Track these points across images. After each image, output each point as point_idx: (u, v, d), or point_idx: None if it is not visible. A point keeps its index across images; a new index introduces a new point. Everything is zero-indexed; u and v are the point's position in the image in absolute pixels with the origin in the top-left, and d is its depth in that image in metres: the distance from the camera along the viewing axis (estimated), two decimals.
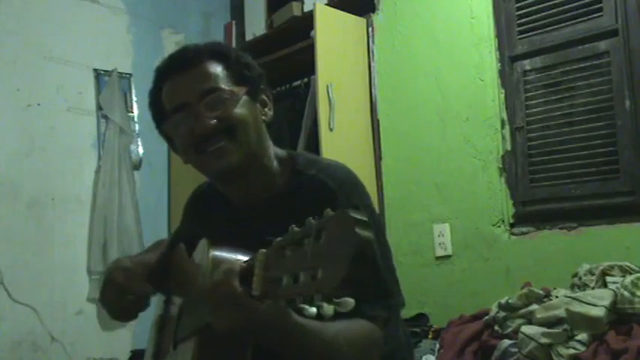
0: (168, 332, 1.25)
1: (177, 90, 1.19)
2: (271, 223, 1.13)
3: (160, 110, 1.23)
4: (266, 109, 1.25)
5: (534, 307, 2.02)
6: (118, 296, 1.19)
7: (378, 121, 3.02)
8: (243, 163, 1.16)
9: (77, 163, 3.07)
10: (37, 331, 2.82)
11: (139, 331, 3.06)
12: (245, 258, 0.93)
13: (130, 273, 1.21)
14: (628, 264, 2.04)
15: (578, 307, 1.87)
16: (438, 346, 2.24)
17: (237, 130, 1.15)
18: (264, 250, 0.81)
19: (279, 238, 0.79)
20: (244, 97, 1.18)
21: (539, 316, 1.96)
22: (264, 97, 1.25)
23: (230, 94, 1.16)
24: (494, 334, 2.07)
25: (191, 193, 1.48)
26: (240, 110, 1.17)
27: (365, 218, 0.68)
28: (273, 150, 1.26)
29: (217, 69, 1.19)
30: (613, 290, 1.91)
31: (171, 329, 1.22)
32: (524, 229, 2.54)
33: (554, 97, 2.52)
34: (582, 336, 1.83)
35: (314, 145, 2.75)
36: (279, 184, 1.23)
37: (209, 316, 0.90)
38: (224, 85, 1.17)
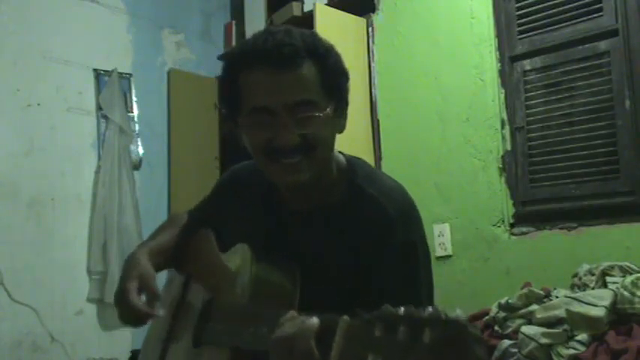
0: (185, 322, 1.22)
1: (266, 90, 1.04)
2: (320, 233, 1.13)
3: (232, 90, 1.10)
4: (342, 119, 1.14)
5: (534, 307, 2.02)
6: (135, 318, 1.17)
7: (378, 121, 3.02)
8: (312, 179, 1.09)
9: (77, 163, 3.06)
10: (37, 331, 2.82)
11: (138, 331, 3.06)
12: (285, 273, 0.92)
13: (149, 293, 1.17)
14: (628, 264, 2.04)
15: (578, 307, 1.87)
16: None
17: (317, 150, 1.06)
18: (347, 318, 0.76)
19: (368, 314, 0.73)
20: (332, 114, 1.08)
21: (539, 316, 1.96)
22: (345, 105, 1.14)
23: (321, 112, 1.05)
24: (494, 334, 2.07)
25: (232, 170, 1.35)
26: (325, 131, 1.07)
27: (480, 335, 0.63)
28: (334, 157, 1.17)
29: (313, 74, 1.05)
30: (613, 290, 1.91)
31: (190, 322, 1.20)
32: (524, 229, 2.54)
33: (554, 97, 2.52)
34: (582, 336, 1.83)
35: None
36: (335, 195, 1.14)
37: (270, 355, 0.86)
38: (317, 98, 1.05)
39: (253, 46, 1.07)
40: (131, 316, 1.17)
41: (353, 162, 1.19)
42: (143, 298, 1.18)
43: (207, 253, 1.25)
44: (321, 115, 1.05)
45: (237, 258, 1.12)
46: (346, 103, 1.13)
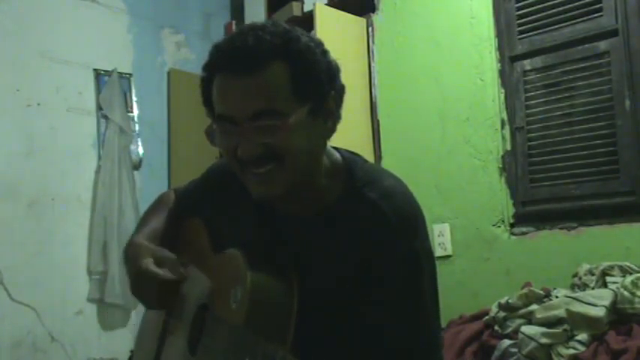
0: (180, 315, 1.20)
1: (227, 98, 0.99)
2: (312, 239, 1.06)
3: (208, 94, 1.05)
4: (329, 123, 1.04)
5: (534, 307, 2.02)
6: (160, 289, 1.12)
7: (378, 121, 3.02)
8: (287, 190, 1.01)
9: (77, 163, 3.06)
10: (37, 331, 2.82)
11: None
12: (282, 284, 0.92)
13: (168, 263, 1.14)
14: (628, 264, 2.04)
15: (578, 307, 1.87)
16: None
17: (287, 159, 0.98)
18: None
19: None
20: (304, 119, 0.98)
21: (539, 316, 1.96)
22: (331, 106, 1.04)
23: (285, 121, 0.96)
24: (494, 334, 2.07)
25: (223, 161, 1.22)
26: (294, 139, 0.97)
27: None
28: (328, 159, 1.08)
29: (279, 78, 0.96)
30: (613, 290, 1.91)
31: (186, 317, 1.18)
32: (524, 229, 2.54)
33: (554, 97, 2.52)
34: (582, 336, 1.83)
35: None
36: (331, 198, 1.06)
37: None
38: (282, 104, 0.96)
39: (223, 47, 1.02)
40: (160, 291, 1.12)
41: (351, 161, 1.10)
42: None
43: (201, 246, 1.23)
44: (283, 122, 0.96)
45: (232, 262, 1.08)
46: (335, 102, 1.04)
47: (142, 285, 1.14)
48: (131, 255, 1.19)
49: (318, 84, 1.00)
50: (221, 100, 1.00)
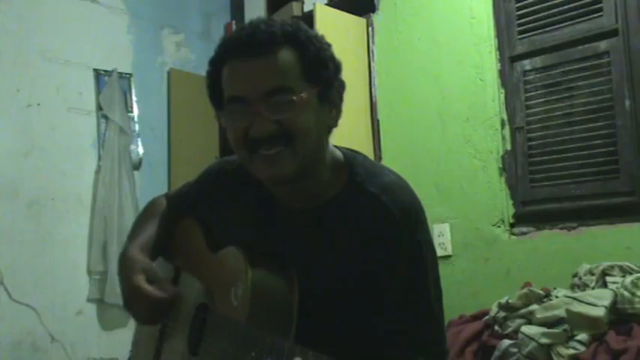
0: (178, 318, 1.20)
1: (240, 78, 1.02)
2: (316, 235, 1.07)
3: (216, 87, 1.07)
4: (334, 112, 1.08)
5: (534, 307, 2.02)
6: (150, 308, 1.15)
7: (378, 121, 3.02)
8: (296, 173, 1.02)
9: (77, 163, 3.06)
10: (37, 332, 2.82)
11: None
12: (283, 280, 0.93)
13: (159, 280, 1.17)
14: (628, 264, 2.04)
15: (578, 307, 1.87)
16: None
17: (297, 139, 1.00)
18: None
19: None
20: (313, 100, 1.02)
21: (539, 316, 1.96)
22: (335, 96, 1.08)
23: (298, 97, 0.99)
24: (494, 334, 2.07)
25: (223, 161, 1.26)
26: (305, 117, 1.00)
27: None
28: (330, 154, 1.10)
29: (290, 60, 1.01)
30: (613, 290, 1.91)
31: (184, 319, 1.18)
32: (524, 229, 2.54)
33: (554, 97, 2.53)
34: (582, 336, 1.83)
35: None
36: (332, 193, 1.08)
37: None
38: (294, 84, 1.00)
39: (233, 36, 1.05)
40: (151, 309, 1.15)
41: (352, 157, 1.12)
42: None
43: (197, 246, 1.23)
44: (296, 98, 0.99)
45: (231, 260, 1.08)
46: (338, 93, 1.08)
47: (133, 301, 1.16)
48: (124, 269, 1.20)
49: (325, 69, 1.05)
50: (234, 82, 1.03)
